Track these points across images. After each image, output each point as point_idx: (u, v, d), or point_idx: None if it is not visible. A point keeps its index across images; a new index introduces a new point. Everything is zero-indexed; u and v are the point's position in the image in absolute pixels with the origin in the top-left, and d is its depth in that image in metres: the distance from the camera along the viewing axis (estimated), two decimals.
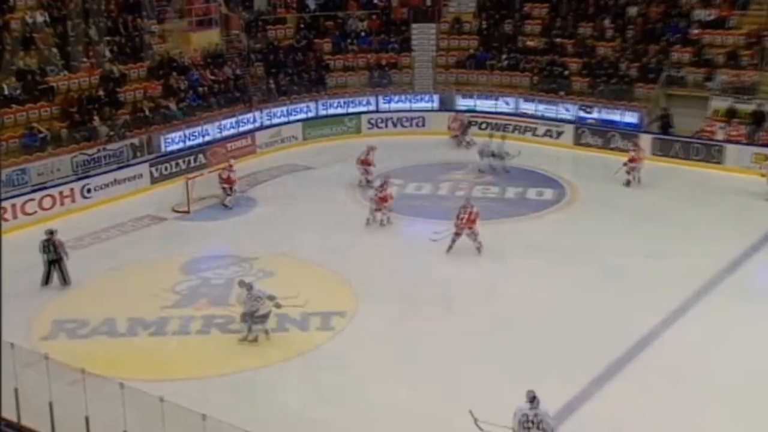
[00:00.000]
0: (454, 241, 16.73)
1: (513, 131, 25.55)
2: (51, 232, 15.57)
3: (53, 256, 15.46)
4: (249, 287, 13.25)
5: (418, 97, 26.83)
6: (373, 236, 17.92)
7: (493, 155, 21.90)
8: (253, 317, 13.16)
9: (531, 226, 18.55)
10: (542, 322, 13.85)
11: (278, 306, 13.31)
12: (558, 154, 23.91)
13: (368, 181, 20.67)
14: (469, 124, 25.09)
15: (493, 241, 17.53)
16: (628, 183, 20.78)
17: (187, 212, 19.52)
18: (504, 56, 27.08)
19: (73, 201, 19.54)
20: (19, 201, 18.34)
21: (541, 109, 25.49)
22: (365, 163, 21.08)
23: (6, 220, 17.88)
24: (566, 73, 25.96)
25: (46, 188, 19.13)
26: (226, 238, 18.03)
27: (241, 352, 13.10)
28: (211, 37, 26.13)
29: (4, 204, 17.96)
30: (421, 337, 13.38)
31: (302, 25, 28.12)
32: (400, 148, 24.54)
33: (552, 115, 25.36)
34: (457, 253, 16.86)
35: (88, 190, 19.92)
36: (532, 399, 9.65)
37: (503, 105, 26.10)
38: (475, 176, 21.91)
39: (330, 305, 14.53)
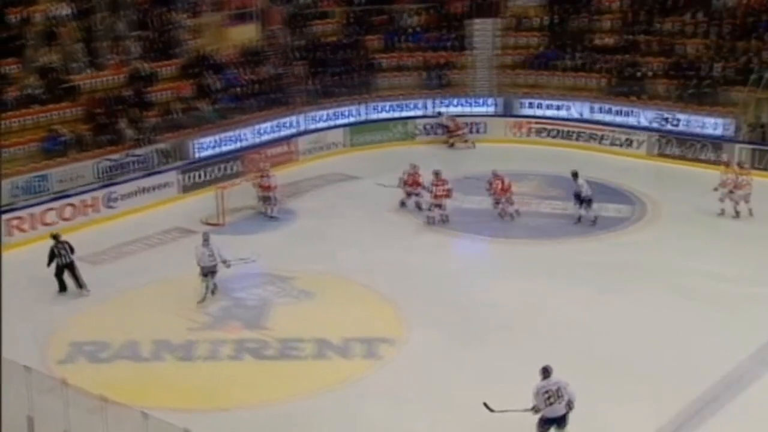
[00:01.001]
0: (499, 207, 19.41)
1: (582, 140, 25.24)
2: (56, 236, 16.15)
3: (66, 259, 15.95)
4: (206, 239, 15.64)
5: (477, 101, 26.73)
6: (424, 254, 17.81)
7: (580, 199, 19.23)
8: (210, 272, 15.51)
9: (602, 247, 18.19)
10: (611, 354, 13.48)
11: (228, 265, 15.64)
12: (634, 166, 23.46)
13: (420, 208, 19.92)
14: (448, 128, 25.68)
15: (558, 262, 17.29)
16: (737, 214, 19.27)
17: (220, 225, 19.67)
18: (574, 55, 26.76)
19: (96, 211, 19.89)
20: (38, 210, 18.72)
21: (617, 115, 25.10)
22: (416, 184, 20.34)
23: (23, 231, 18.28)
24: (646, 74, 25.52)
25: (67, 196, 19.50)
26: (263, 255, 18.05)
27: (276, 381, 13.07)
28: (249, 33, 26.46)
29: (22, 213, 18.34)
30: (476, 369, 13.15)
31: (349, 20, 28.29)
32: (456, 156, 24.45)
33: (628, 122, 24.91)
34: (516, 274, 16.67)
35: (113, 199, 20.24)
36: (545, 372, 10.64)
37: (572, 110, 25.79)
38: (539, 189, 21.63)
39: (375, 330, 14.45)
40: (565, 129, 25.66)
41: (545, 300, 15.50)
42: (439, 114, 26.11)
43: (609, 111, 25.35)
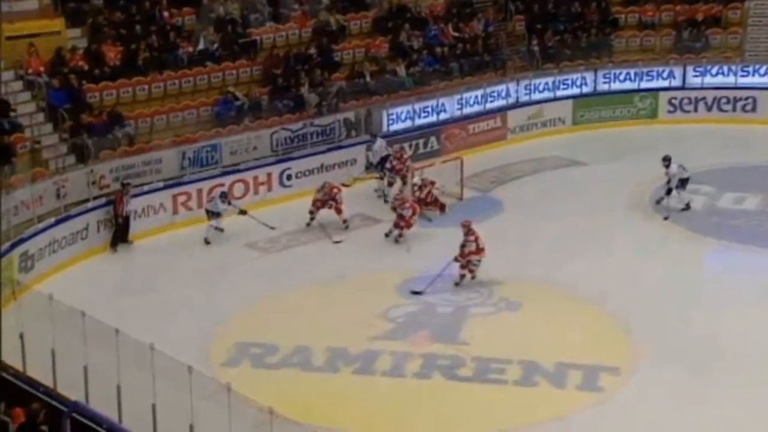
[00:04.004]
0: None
1: None
2: (126, 184, 18.46)
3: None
4: (224, 198, 19.10)
5: (749, 69, 25.68)
6: (670, 266, 17.46)
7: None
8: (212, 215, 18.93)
9: None
10: None
11: (243, 212, 19.02)
12: None
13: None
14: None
15: None
16: None
17: None
18: None
19: (270, 190, 21.00)
20: (206, 185, 19.99)
21: None
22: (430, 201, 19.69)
23: (190, 208, 19.68)
24: None
25: (238, 171, 20.73)
26: None
27: (470, 408, 13.31)
28: None
29: (189, 188, 19.76)
30: (723, 417, 12.81)
31: None
32: (716, 141, 23.64)
33: None
34: None
35: (289, 177, 21.28)
36: None
37: None
38: None
39: (598, 357, 14.39)
40: None
41: None
42: (373, 138, 22.04)
43: None
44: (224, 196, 19.11)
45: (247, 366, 14.53)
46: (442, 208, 20.03)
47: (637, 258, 17.81)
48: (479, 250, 16.72)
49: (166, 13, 22.53)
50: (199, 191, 19.84)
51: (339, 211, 19.42)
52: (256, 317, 16.09)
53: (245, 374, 14.09)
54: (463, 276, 16.83)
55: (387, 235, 18.99)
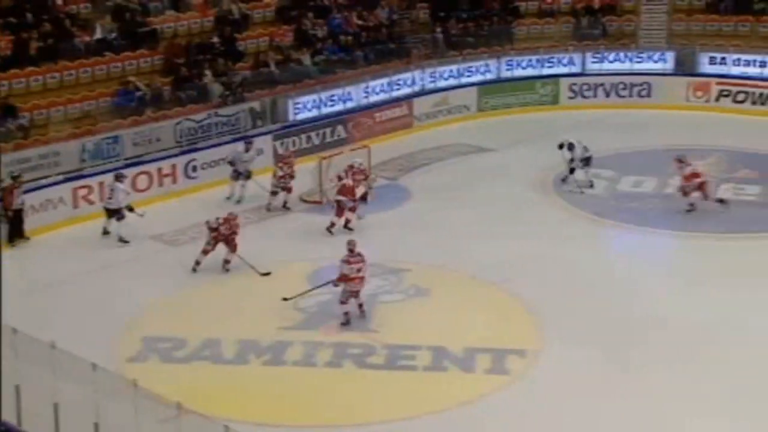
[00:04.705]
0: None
1: None
2: (16, 177, 17.82)
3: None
4: (118, 177, 18.26)
5: (644, 55, 26.24)
6: (574, 250, 17.66)
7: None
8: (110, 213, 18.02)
9: None
10: None
11: (131, 209, 17.98)
12: None
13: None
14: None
15: (759, 264, 16.85)
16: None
17: (320, 203, 20.01)
18: None
19: (175, 182, 20.65)
20: (108, 178, 19.42)
21: None
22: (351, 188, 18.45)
23: (91, 202, 19.18)
24: None
25: (141, 163, 20.29)
26: (369, 241, 18.27)
27: (381, 395, 13.31)
28: None
29: (90, 182, 19.25)
30: (632, 396, 12.99)
31: None
32: (614, 126, 24.07)
33: None
34: (699, 280, 16.25)
35: (194, 168, 20.95)
36: None
37: None
38: (723, 169, 21.08)
39: (505, 340, 14.49)
40: (763, 92, 24.87)
41: (741, 318, 15.01)
42: (248, 144, 20.75)
43: None
44: (121, 177, 18.31)
45: (156, 361, 14.22)
46: (363, 197, 19.57)
47: (541, 241, 18.00)
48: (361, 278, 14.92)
49: (59, 1, 21.88)
50: (101, 184, 19.30)
51: (235, 249, 16.90)
52: (164, 311, 15.76)
53: (153, 369, 13.77)
54: (347, 314, 15.01)
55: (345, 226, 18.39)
